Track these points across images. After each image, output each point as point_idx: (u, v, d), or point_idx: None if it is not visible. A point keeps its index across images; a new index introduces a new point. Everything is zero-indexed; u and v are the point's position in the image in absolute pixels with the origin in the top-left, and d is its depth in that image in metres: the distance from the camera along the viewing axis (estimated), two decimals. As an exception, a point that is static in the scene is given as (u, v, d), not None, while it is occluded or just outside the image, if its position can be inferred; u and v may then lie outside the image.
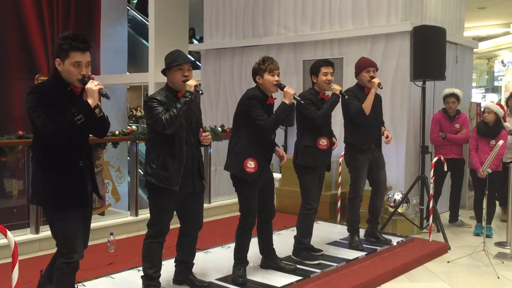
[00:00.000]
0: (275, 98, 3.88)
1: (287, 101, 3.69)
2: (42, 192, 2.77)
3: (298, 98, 3.78)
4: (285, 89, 3.71)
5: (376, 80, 4.57)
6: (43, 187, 2.77)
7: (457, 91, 5.99)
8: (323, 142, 4.26)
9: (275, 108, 3.79)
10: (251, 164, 3.66)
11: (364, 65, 4.66)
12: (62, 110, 2.67)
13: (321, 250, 4.56)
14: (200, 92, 3.30)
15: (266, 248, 4.08)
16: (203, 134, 3.50)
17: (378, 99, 4.75)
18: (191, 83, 3.29)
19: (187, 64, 3.37)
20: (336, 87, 4.26)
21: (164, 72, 3.43)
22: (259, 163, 3.69)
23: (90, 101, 2.68)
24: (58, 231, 2.80)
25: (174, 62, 3.34)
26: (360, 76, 4.68)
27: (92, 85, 2.70)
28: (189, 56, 10.78)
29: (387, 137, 4.78)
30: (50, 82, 2.81)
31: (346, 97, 4.28)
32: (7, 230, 2.45)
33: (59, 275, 2.83)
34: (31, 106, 2.68)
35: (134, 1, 14.77)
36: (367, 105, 4.52)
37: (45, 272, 3.10)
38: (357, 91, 4.66)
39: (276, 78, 3.73)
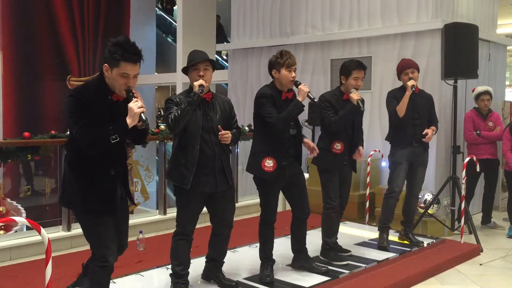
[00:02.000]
0: (292, 92, 3.82)
1: (300, 99, 3.64)
2: (71, 196, 2.76)
3: (312, 96, 3.68)
4: (299, 87, 3.67)
5: (410, 83, 4.54)
6: (72, 191, 2.74)
7: (490, 89, 5.86)
8: (337, 146, 4.19)
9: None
10: (269, 163, 3.64)
11: (402, 67, 4.67)
12: (100, 116, 2.62)
13: (349, 251, 4.51)
14: (200, 91, 3.23)
15: (298, 246, 4.05)
16: (221, 133, 3.38)
17: (426, 99, 4.81)
18: (196, 83, 3.29)
19: (203, 63, 3.34)
20: (354, 96, 4.10)
21: (185, 73, 3.46)
22: (278, 161, 3.66)
23: (129, 121, 2.60)
24: (90, 236, 2.79)
25: (191, 62, 3.37)
26: (401, 79, 4.70)
27: (135, 106, 2.61)
28: (216, 56, 10.84)
29: (425, 135, 4.69)
30: (94, 86, 2.73)
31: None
32: (41, 227, 2.50)
33: (94, 278, 2.85)
34: (70, 111, 2.63)
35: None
36: (400, 107, 4.54)
37: (85, 267, 3.12)
38: (399, 93, 4.66)
39: (293, 74, 3.68)
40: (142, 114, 2.63)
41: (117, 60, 2.60)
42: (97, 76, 2.76)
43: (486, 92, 5.82)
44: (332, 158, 4.20)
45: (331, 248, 4.33)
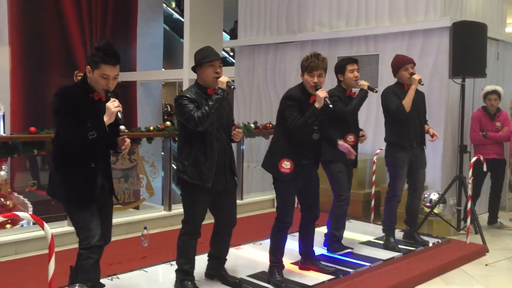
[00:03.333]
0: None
1: (317, 105, 3.51)
2: (56, 187, 2.98)
3: (328, 102, 3.54)
4: (317, 92, 3.53)
5: (416, 77, 4.47)
6: (56, 182, 2.97)
7: (499, 88, 5.80)
8: (351, 138, 4.24)
9: None
10: (286, 165, 3.60)
11: (402, 63, 4.57)
12: (82, 114, 2.85)
13: (352, 248, 4.51)
14: (233, 87, 3.33)
15: (306, 248, 4.01)
16: (236, 130, 3.48)
17: (421, 97, 4.69)
18: (223, 79, 3.30)
19: (218, 60, 3.36)
20: (364, 83, 4.31)
21: (194, 68, 3.43)
22: (296, 163, 3.61)
23: (105, 119, 2.83)
24: (75, 222, 2.98)
25: (206, 59, 3.33)
26: (399, 75, 4.60)
27: (112, 105, 2.85)
28: (223, 52, 10.85)
29: (432, 135, 4.67)
30: (77, 85, 3.01)
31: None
32: (44, 223, 2.51)
33: (80, 261, 2.94)
34: (54, 108, 2.87)
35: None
36: (407, 102, 4.44)
37: (74, 267, 3.16)
38: (397, 89, 4.58)
39: (315, 79, 3.55)
40: (118, 113, 2.86)
41: (97, 62, 2.85)
42: (82, 77, 3.01)
43: (494, 92, 5.77)
44: (338, 150, 4.14)
45: (337, 241, 4.34)
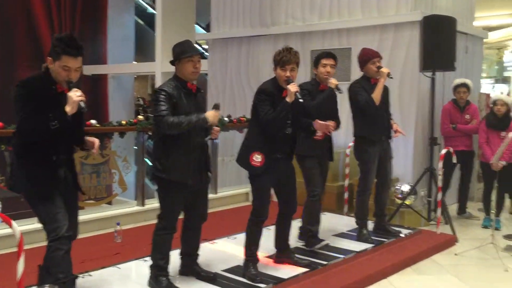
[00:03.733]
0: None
1: (288, 99, 3.51)
2: (15, 179, 2.95)
3: (298, 96, 3.54)
4: (288, 86, 3.52)
5: (385, 70, 4.49)
6: (17, 175, 2.93)
7: (468, 81, 5.92)
8: (319, 133, 4.17)
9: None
10: (257, 158, 3.60)
11: (368, 57, 4.58)
12: (45, 105, 2.79)
13: (326, 240, 4.54)
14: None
15: (282, 243, 4.02)
16: (214, 128, 3.46)
17: (386, 91, 4.68)
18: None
19: (197, 55, 3.34)
20: (333, 81, 4.23)
21: (173, 62, 3.39)
22: (268, 157, 3.61)
23: (67, 109, 2.78)
24: (40, 215, 2.94)
25: (185, 54, 3.30)
26: (366, 68, 4.60)
27: (74, 95, 2.80)
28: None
29: (395, 131, 4.72)
30: (39, 77, 2.91)
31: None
32: (12, 221, 2.44)
33: (50, 254, 2.89)
34: (15, 99, 2.80)
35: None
36: (376, 96, 4.45)
37: (43, 265, 3.10)
38: (364, 83, 4.59)
39: (287, 73, 3.54)
40: (81, 103, 2.82)
41: (58, 53, 2.80)
42: (43, 69, 2.92)
43: (463, 85, 5.88)
44: (312, 144, 4.20)
45: (313, 236, 4.37)
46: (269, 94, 3.59)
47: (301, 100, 3.53)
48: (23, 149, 2.90)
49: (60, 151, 2.95)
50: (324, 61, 4.28)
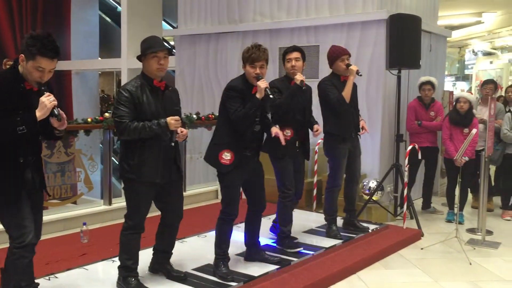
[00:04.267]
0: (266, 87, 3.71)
1: (258, 95, 3.50)
2: None
3: (269, 92, 3.53)
4: (257, 83, 3.51)
5: (354, 68, 4.54)
6: None
7: (432, 79, 6.06)
8: (287, 133, 4.17)
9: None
10: (226, 156, 3.57)
11: (337, 54, 4.60)
12: (12, 104, 2.66)
13: (296, 238, 4.56)
14: (175, 140, 3.27)
15: (252, 240, 4.01)
16: (182, 132, 3.30)
17: (354, 88, 4.69)
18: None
19: (163, 51, 3.26)
20: (298, 77, 4.12)
21: (139, 58, 3.32)
22: (237, 155, 3.59)
23: (38, 114, 2.65)
24: (5, 218, 2.82)
25: (150, 49, 3.23)
26: (335, 66, 4.63)
27: (47, 100, 2.66)
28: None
29: (362, 128, 4.77)
30: (7, 73, 2.77)
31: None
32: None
33: (13, 260, 2.80)
34: None
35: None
36: (347, 93, 4.49)
37: (5, 268, 3.00)
38: (334, 80, 4.62)
39: (257, 70, 3.53)
40: (54, 109, 2.68)
41: (33, 54, 2.63)
42: (12, 65, 2.77)
43: (428, 82, 6.02)
44: (280, 144, 4.18)
45: (287, 237, 4.36)
46: (238, 91, 3.57)
47: (271, 96, 3.53)
48: None
49: (27, 153, 2.82)
50: (287, 56, 4.26)
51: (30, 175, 2.86)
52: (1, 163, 2.74)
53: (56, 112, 2.69)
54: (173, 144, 3.29)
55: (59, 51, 2.70)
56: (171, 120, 3.19)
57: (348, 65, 4.55)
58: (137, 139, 3.19)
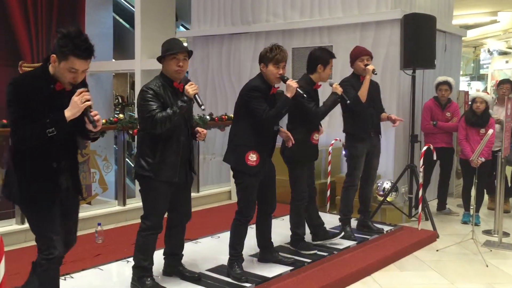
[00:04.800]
0: (278, 87, 3.77)
1: (289, 95, 3.56)
2: (11, 187, 2.68)
3: (301, 92, 3.60)
4: (287, 82, 3.57)
5: (370, 67, 4.57)
6: (13, 183, 2.67)
7: (450, 79, 5.99)
8: (316, 136, 4.23)
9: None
10: (252, 157, 3.57)
11: (358, 54, 4.66)
12: (41, 106, 2.53)
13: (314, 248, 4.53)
14: (202, 107, 3.23)
15: (264, 241, 4.00)
16: (202, 132, 3.44)
17: (375, 87, 4.78)
18: (191, 91, 3.21)
19: (182, 53, 3.27)
20: (337, 86, 4.19)
21: (159, 60, 3.34)
22: (261, 156, 3.60)
23: (68, 113, 2.50)
24: (34, 228, 2.72)
25: (169, 51, 3.25)
26: (355, 65, 4.69)
27: (79, 100, 2.50)
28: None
29: (395, 120, 4.80)
30: (36, 74, 2.63)
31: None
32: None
33: (41, 272, 2.76)
34: (8, 99, 2.53)
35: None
36: (362, 93, 4.52)
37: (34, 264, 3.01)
38: (353, 80, 4.66)
39: (281, 71, 3.58)
40: (89, 114, 2.53)
41: (66, 54, 2.48)
42: (42, 65, 2.63)
43: (445, 82, 5.96)
44: (310, 149, 4.20)
45: (301, 239, 4.35)
46: (261, 91, 3.59)
47: (305, 96, 3.63)
48: (19, 154, 2.61)
49: (61, 157, 2.67)
50: (331, 63, 4.24)
51: (65, 181, 2.73)
52: (33, 167, 2.62)
53: (91, 119, 2.53)
54: (203, 108, 3.25)
55: (93, 50, 2.54)
56: (187, 88, 3.20)
57: (366, 65, 4.59)
58: (169, 126, 3.17)
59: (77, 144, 2.83)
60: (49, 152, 2.62)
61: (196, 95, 3.21)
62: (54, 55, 2.53)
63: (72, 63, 2.50)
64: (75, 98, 2.51)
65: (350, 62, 4.74)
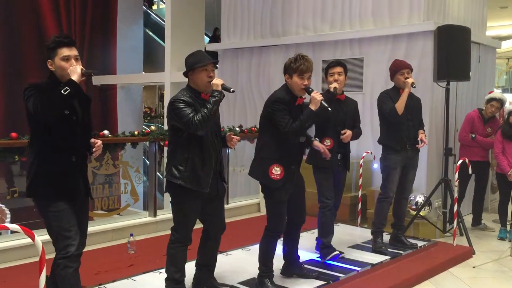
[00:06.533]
0: (304, 98, 3.71)
1: (313, 107, 3.47)
2: (33, 184, 2.84)
3: (325, 105, 3.51)
4: (312, 95, 3.49)
5: (409, 80, 4.56)
6: (32, 178, 2.84)
7: (504, 98, 5.88)
8: (327, 142, 4.20)
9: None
10: (277, 171, 3.51)
11: (398, 68, 4.65)
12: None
13: (342, 252, 4.48)
14: (232, 90, 3.28)
15: (291, 254, 3.95)
16: (234, 138, 3.44)
17: (417, 102, 4.79)
18: (218, 82, 3.23)
19: (211, 64, 3.29)
20: (332, 86, 4.17)
21: (186, 73, 3.35)
22: (286, 169, 3.54)
23: (74, 77, 2.79)
24: (51, 228, 2.85)
25: (199, 63, 3.25)
26: (395, 79, 4.68)
27: (73, 67, 2.82)
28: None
29: (420, 141, 4.69)
30: (46, 82, 2.89)
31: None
32: (35, 235, 2.41)
33: (59, 271, 2.82)
34: (26, 97, 2.77)
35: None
36: (399, 105, 4.51)
37: (50, 277, 3.04)
38: (393, 93, 4.65)
39: (305, 82, 3.51)
40: (83, 70, 2.85)
41: (53, 48, 2.84)
42: (48, 76, 2.92)
43: (499, 100, 5.82)
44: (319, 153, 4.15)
45: (325, 247, 4.31)
46: (286, 103, 3.53)
47: (330, 109, 3.52)
48: (40, 151, 2.83)
49: (78, 152, 2.92)
50: (331, 70, 4.28)
51: (81, 180, 2.94)
52: (53, 160, 2.83)
53: (90, 72, 2.87)
54: (232, 90, 3.31)
55: (74, 39, 2.92)
56: (214, 82, 3.23)
57: (406, 78, 4.58)
58: (195, 140, 3.22)
59: (88, 146, 3.02)
60: (68, 146, 2.86)
61: (223, 84, 3.25)
62: (49, 60, 2.87)
63: (62, 52, 2.83)
64: (70, 67, 2.82)
65: (390, 75, 4.73)
